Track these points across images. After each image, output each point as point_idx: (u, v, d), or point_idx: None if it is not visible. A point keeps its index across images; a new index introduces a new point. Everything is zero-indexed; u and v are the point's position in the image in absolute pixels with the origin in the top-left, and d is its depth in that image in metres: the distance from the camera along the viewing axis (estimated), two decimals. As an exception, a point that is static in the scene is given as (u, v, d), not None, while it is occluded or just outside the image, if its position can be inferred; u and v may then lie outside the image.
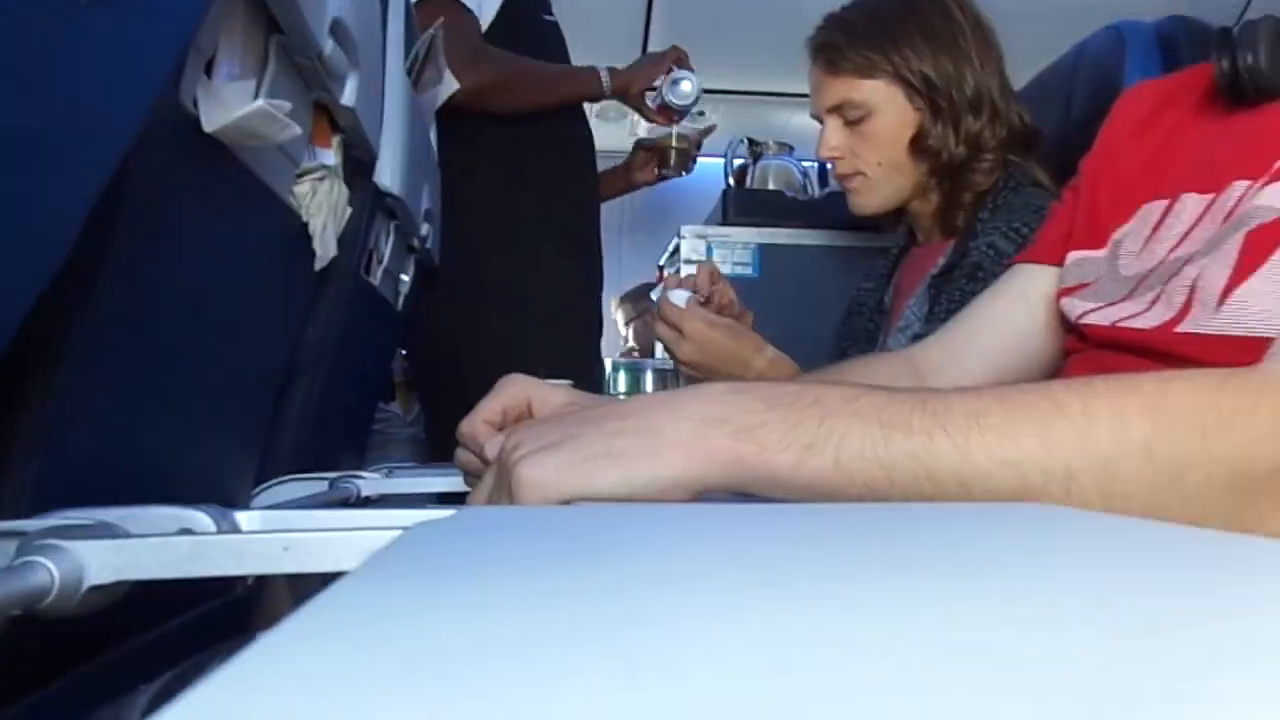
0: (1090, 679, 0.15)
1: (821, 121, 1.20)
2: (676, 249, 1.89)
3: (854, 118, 1.15)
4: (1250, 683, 0.15)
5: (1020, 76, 1.41)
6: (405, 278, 1.40)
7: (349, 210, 0.95)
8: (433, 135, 1.52)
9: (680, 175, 1.93)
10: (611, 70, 1.68)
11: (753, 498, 0.45)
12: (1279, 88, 0.65)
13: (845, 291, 1.48)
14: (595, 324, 1.83)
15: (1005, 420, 0.42)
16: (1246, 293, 0.58)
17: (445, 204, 1.54)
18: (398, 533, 0.34)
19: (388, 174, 1.08)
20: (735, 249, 1.82)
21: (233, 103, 0.62)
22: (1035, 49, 1.50)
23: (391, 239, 1.27)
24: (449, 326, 1.63)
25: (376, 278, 1.23)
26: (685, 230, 1.85)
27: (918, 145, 1.13)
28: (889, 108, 1.14)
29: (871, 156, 1.17)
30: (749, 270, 1.82)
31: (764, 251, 1.82)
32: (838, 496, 0.43)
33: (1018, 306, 0.83)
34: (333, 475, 0.86)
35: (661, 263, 2.32)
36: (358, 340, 1.20)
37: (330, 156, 0.88)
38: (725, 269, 1.82)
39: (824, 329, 1.51)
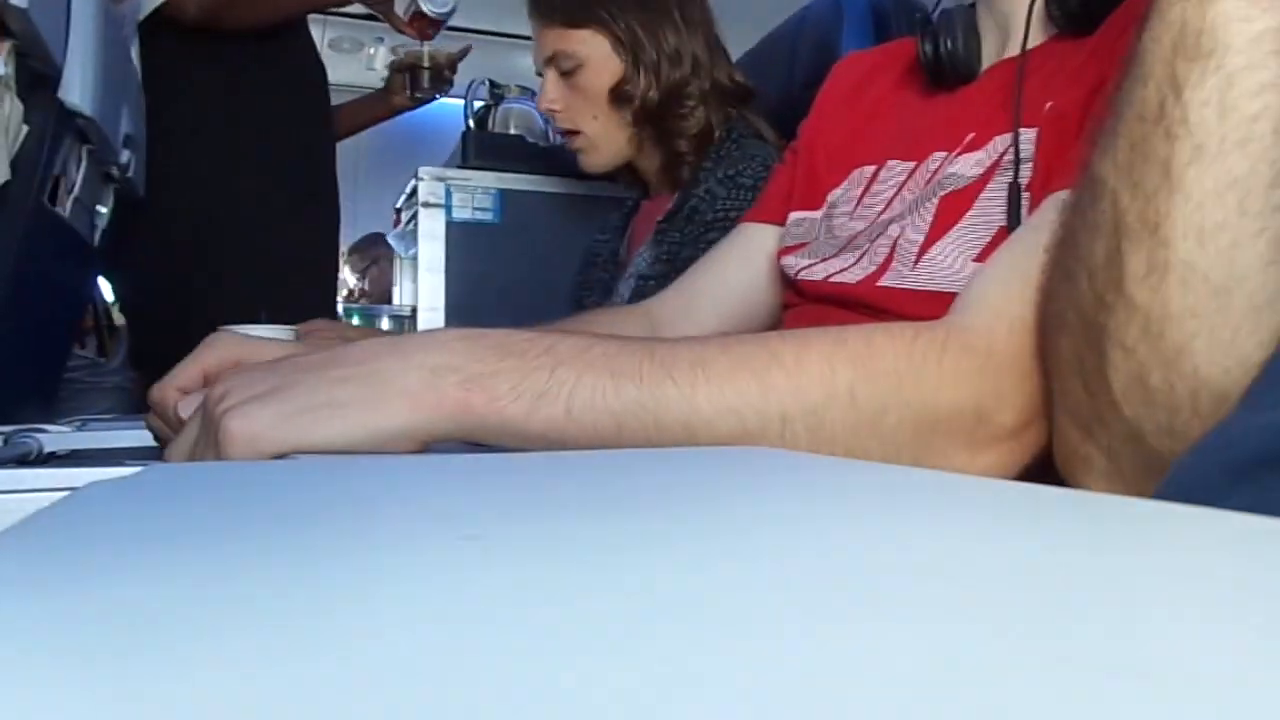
0: (774, 605, 0.15)
1: (542, 75, 1.24)
2: (414, 191, 1.82)
3: (567, 68, 1.19)
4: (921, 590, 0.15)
5: (748, 40, 1.46)
6: (102, 209, 1.26)
7: (25, 129, 0.83)
8: (135, 51, 1.36)
9: (434, 98, 1.85)
10: None
11: (483, 447, 0.44)
12: (972, 72, 0.71)
13: (585, 238, 1.49)
14: (329, 269, 1.74)
15: (728, 369, 0.45)
16: (938, 251, 0.64)
17: (159, 132, 1.38)
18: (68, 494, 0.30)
19: (76, 90, 0.96)
20: (475, 193, 1.78)
21: None
22: (762, 13, 1.56)
23: (84, 165, 1.13)
24: (164, 267, 1.48)
25: (66, 208, 1.09)
26: (424, 172, 1.78)
27: (617, 93, 1.18)
28: (597, 58, 1.18)
29: (586, 110, 1.21)
30: (489, 215, 1.79)
31: (505, 196, 1.79)
32: (569, 445, 0.43)
33: (742, 263, 0.88)
34: (8, 429, 0.76)
35: (399, 205, 2.23)
36: (42, 277, 1.06)
37: (-2, 64, 0.76)
38: (465, 213, 1.78)
39: (564, 275, 1.52)
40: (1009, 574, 0.18)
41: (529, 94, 2.01)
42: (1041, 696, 0.11)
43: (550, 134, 2.00)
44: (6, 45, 0.77)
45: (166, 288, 1.48)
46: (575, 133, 1.24)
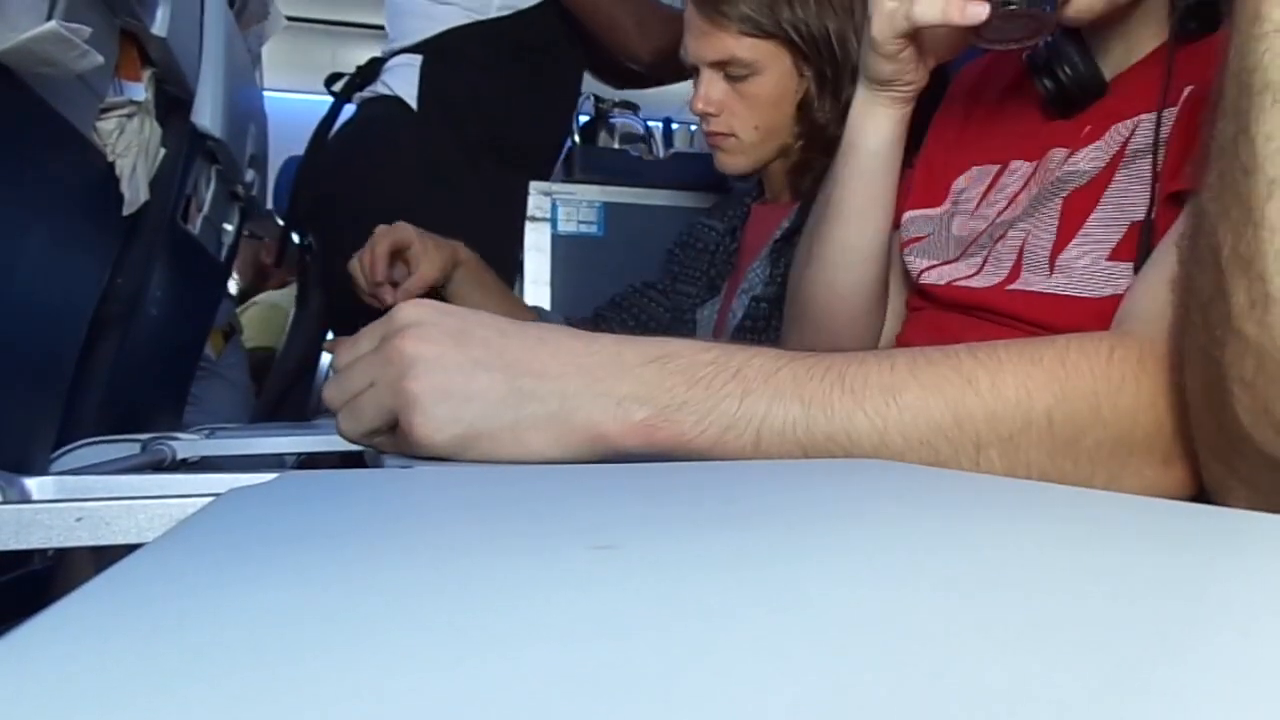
0: (915, 630, 0.15)
1: (697, 72, 1.13)
2: (520, 205, 1.85)
3: (739, 75, 1.09)
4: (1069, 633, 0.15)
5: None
6: (228, 227, 1.32)
7: (162, 151, 0.88)
8: (258, 75, 1.43)
9: None
10: None
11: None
12: (1103, 87, 0.68)
13: (687, 251, 1.49)
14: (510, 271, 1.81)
15: (920, 398, 0.44)
16: (1070, 254, 0.62)
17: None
18: (209, 499, 0.32)
19: (207, 114, 1.01)
20: (580, 207, 1.80)
21: (21, 23, 0.55)
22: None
23: (213, 185, 1.19)
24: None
25: (196, 226, 1.15)
26: (531, 186, 1.81)
27: (802, 112, 1.09)
28: (776, 69, 1.08)
29: (750, 118, 1.11)
30: (594, 229, 1.81)
31: (609, 210, 1.81)
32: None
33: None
34: (145, 437, 0.80)
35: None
36: (175, 291, 1.12)
37: (140, 91, 0.80)
38: (570, 226, 1.80)
39: (666, 288, 1.52)
40: (1147, 590, 0.17)
41: (633, 109, 2.03)
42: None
43: (653, 147, 2.01)
44: (147, 72, 0.81)
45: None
46: (726, 135, 1.14)
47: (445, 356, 0.42)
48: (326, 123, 1.54)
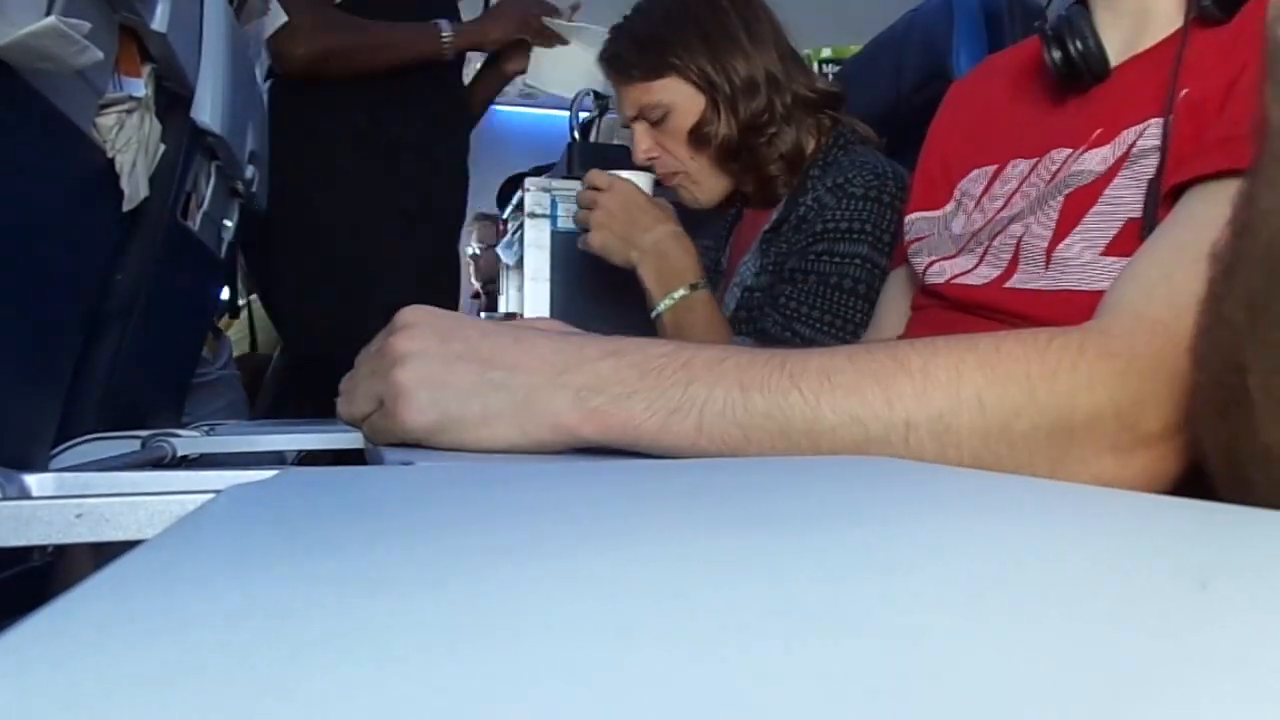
0: (923, 629, 0.14)
1: (630, 129, 1.23)
2: (520, 203, 1.85)
3: (656, 118, 1.19)
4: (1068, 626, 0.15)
5: (856, 41, 1.44)
6: (228, 223, 1.32)
7: (162, 147, 0.88)
8: (259, 71, 1.43)
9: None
10: (455, 25, 1.63)
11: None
12: (1106, 70, 0.68)
13: (687, 247, 1.49)
14: (454, 277, 1.87)
15: (854, 378, 0.45)
16: (1066, 250, 0.62)
17: (300, 171, 1.49)
18: (209, 496, 0.32)
19: (207, 110, 1.00)
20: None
21: (20, 18, 0.55)
22: (872, 15, 1.54)
23: (213, 181, 1.19)
24: (309, 281, 1.62)
25: (196, 222, 1.15)
26: (530, 183, 1.81)
27: (696, 135, 1.17)
28: (681, 102, 1.18)
29: (683, 151, 1.20)
30: (593, 225, 1.80)
31: (609, 206, 1.81)
32: (700, 453, 0.46)
33: (894, 307, 0.88)
34: (145, 434, 0.80)
35: (505, 216, 2.27)
36: (175, 288, 1.12)
37: (139, 87, 0.80)
38: (570, 223, 1.80)
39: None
40: (1138, 587, 0.17)
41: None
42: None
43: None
44: (147, 68, 0.81)
45: (310, 290, 1.61)
46: (675, 174, 1.23)
47: (429, 350, 0.47)
48: None
